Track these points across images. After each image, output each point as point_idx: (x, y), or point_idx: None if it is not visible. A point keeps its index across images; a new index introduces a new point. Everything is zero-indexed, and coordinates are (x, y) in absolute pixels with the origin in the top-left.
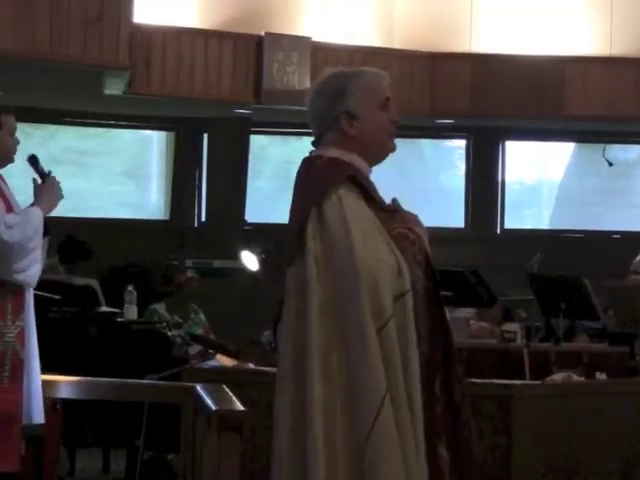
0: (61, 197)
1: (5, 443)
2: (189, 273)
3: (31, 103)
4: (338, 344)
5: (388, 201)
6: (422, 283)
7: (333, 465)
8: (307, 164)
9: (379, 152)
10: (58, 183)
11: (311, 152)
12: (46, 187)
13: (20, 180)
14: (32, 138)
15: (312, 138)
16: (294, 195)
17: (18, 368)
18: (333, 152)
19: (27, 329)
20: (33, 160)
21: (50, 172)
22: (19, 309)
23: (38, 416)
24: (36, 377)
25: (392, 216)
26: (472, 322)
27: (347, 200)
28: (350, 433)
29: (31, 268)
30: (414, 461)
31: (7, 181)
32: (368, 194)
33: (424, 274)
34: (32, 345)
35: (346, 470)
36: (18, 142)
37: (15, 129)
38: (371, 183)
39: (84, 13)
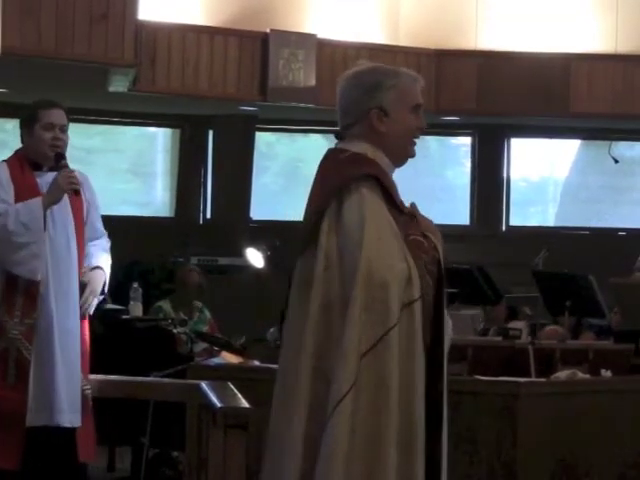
0: (67, 190)
1: (7, 441)
2: (189, 266)
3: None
4: (335, 342)
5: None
6: (431, 293)
7: (312, 465)
8: (331, 157)
9: (400, 155)
10: (68, 177)
11: (336, 144)
12: (54, 180)
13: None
14: None
15: (319, 135)
16: (313, 187)
17: (23, 367)
18: (359, 147)
19: (41, 328)
20: (57, 157)
21: (65, 165)
22: (31, 307)
23: (56, 418)
24: (56, 378)
25: (409, 221)
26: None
27: (368, 199)
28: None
29: (29, 263)
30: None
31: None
32: (389, 195)
33: (434, 284)
34: (50, 345)
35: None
36: (57, 137)
37: (57, 124)
38: (393, 184)
39: (89, 11)
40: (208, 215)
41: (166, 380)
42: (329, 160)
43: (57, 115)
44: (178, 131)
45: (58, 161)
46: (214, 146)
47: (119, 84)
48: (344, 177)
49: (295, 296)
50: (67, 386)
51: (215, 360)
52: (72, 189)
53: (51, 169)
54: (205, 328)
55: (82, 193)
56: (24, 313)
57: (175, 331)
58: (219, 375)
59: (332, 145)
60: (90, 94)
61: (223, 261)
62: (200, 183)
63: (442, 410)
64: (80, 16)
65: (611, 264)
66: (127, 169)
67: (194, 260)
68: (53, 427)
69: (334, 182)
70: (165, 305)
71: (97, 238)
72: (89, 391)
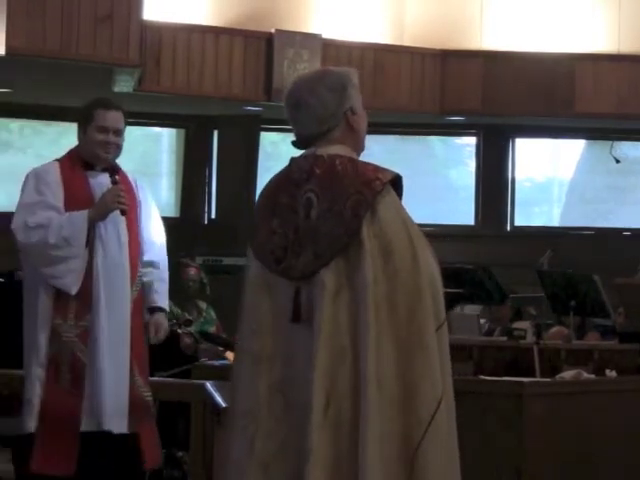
0: (113, 209)
1: (61, 446)
2: (186, 262)
3: (42, 101)
4: (388, 344)
5: None
6: None
7: (388, 467)
8: (328, 164)
9: (361, 149)
10: (116, 194)
11: (314, 151)
12: (103, 195)
13: None
14: (43, 136)
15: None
16: (322, 196)
17: (78, 370)
18: (343, 150)
19: (95, 331)
20: (111, 171)
21: (116, 182)
22: (84, 309)
23: (110, 424)
24: (105, 383)
25: None
26: (482, 320)
27: (397, 200)
28: (400, 433)
29: (65, 277)
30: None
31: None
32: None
33: None
34: (105, 349)
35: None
36: (109, 141)
37: (111, 128)
38: None
39: (94, 11)
40: (213, 215)
41: (171, 380)
42: (327, 168)
43: (113, 118)
44: (183, 131)
45: (111, 175)
46: (219, 146)
47: (124, 84)
48: (373, 183)
49: (328, 306)
50: (116, 391)
51: (220, 360)
52: (119, 208)
53: (104, 170)
54: (211, 328)
55: (136, 198)
56: (78, 315)
57: (180, 331)
58: (224, 375)
59: None
60: (95, 94)
61: (228, 261)
62: (205, 183)
63: None
64: (85, 16)
65: (616, 264)
66: (132, 169)
67: (199, 260)
68: (106, 432)
69: (364, 188)
70: (172, 305)
71: (150, 252)
72: (149, 396)
